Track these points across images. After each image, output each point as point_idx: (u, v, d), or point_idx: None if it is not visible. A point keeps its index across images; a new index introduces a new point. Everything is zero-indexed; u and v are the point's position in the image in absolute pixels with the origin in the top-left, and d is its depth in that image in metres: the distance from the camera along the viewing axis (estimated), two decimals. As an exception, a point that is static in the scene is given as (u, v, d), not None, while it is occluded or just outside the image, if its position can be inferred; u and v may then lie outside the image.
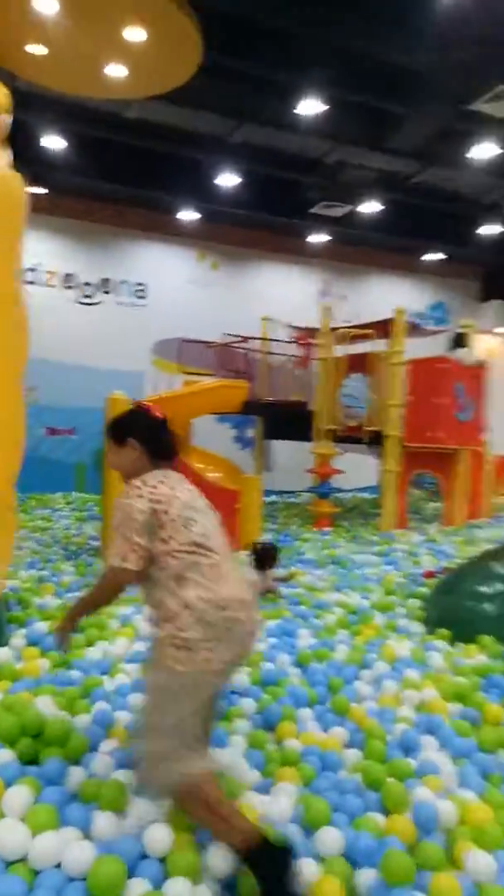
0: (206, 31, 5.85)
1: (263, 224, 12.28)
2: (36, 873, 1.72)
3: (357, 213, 11.53)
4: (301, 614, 4.18)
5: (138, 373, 11.46)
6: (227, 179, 10.51)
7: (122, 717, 2.53)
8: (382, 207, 11.29)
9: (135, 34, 5.83)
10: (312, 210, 11.37)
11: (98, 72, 6.41)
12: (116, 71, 6.40)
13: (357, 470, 10.33)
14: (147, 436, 2.15)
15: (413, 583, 5.18)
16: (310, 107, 8.12)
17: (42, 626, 3.45)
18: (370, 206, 11.27)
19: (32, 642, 3.24)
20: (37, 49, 6.06)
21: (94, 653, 3.24)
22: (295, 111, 8.21)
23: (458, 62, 6.94)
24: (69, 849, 1.75)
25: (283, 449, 11.78)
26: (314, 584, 5.04)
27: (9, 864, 1.74)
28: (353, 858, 1.87)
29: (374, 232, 12.16)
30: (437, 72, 7.30)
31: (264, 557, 4.69)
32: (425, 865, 1.82)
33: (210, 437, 9.45)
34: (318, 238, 13.02)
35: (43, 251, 11.26)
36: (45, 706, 2.49)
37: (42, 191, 10.47)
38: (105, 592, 2.09)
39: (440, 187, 10.89)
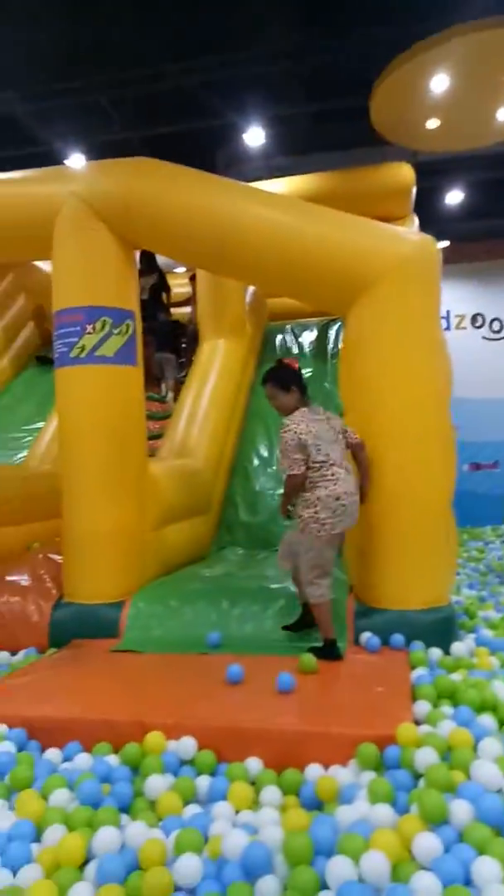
0: None
1: None
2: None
3: None
4: None
5: (546, 398, 11.14)
6: None
7: None
8: None
9: (516, 73, 6.07)
10: None
11: (487, 122, 6.82)
12: (502, 114, 6.71)
13: None
14: (299, 383, 3.36)
15: None
16: None
17: (488, 633, 3.77)
18: None
19: (481, 644, 3.59)
20: (433, 122, 6.78)
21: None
22: None
23: None
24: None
25: None
26: None
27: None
28: None
29: None
30: None
31: None
32: None
33: None
34: None
35: (450, 298, 11.89)
36: (500, 690, 2.79)
37: (445, 243, 11.20)
38: (289, 492, 3.30)
39: None
